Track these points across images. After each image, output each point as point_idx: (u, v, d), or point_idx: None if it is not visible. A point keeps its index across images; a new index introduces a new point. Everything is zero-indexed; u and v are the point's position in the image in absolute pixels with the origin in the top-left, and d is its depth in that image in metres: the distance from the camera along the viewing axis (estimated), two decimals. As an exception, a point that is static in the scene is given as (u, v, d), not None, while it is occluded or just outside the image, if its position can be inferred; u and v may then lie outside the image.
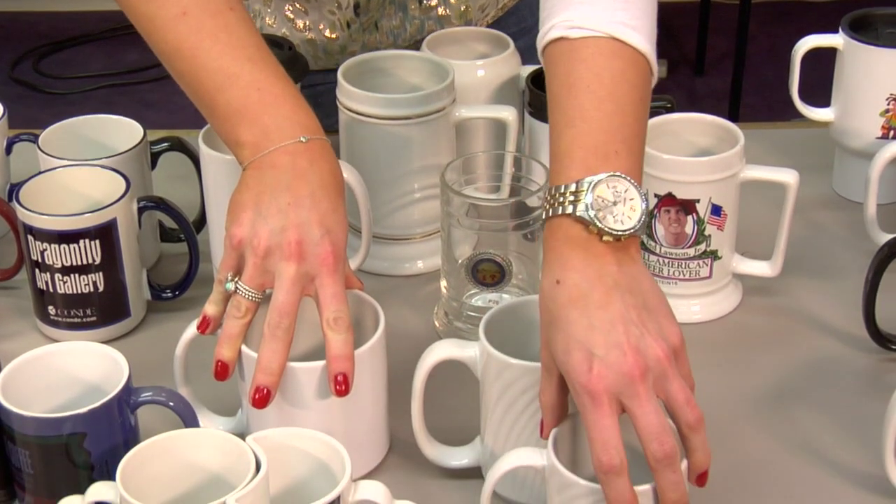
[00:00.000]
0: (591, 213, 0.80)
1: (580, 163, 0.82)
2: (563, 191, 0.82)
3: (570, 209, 0.81)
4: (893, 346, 1.04)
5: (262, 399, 0.87)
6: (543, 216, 0.83)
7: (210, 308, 0.91)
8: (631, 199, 0.81)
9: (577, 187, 0.81)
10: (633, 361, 0.77)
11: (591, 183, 0.81)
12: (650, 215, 1.06)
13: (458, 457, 0.92)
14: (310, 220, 0.88)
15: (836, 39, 1.20)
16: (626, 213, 0.80)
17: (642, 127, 0.87)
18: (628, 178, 0.82)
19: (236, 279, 0.89)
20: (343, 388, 0.87)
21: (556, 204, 0.82)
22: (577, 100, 0.85)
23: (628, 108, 0.85)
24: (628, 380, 0.77)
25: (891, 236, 1.04)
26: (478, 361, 0.89)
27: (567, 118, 0.85)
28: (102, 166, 1.08)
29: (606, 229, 0.80)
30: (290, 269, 0.87)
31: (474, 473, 0.91)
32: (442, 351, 0.90)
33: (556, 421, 0.82)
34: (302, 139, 0.90)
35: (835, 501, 0.91)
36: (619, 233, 0.80)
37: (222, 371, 0.89)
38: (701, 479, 0.81)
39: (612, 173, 0.81)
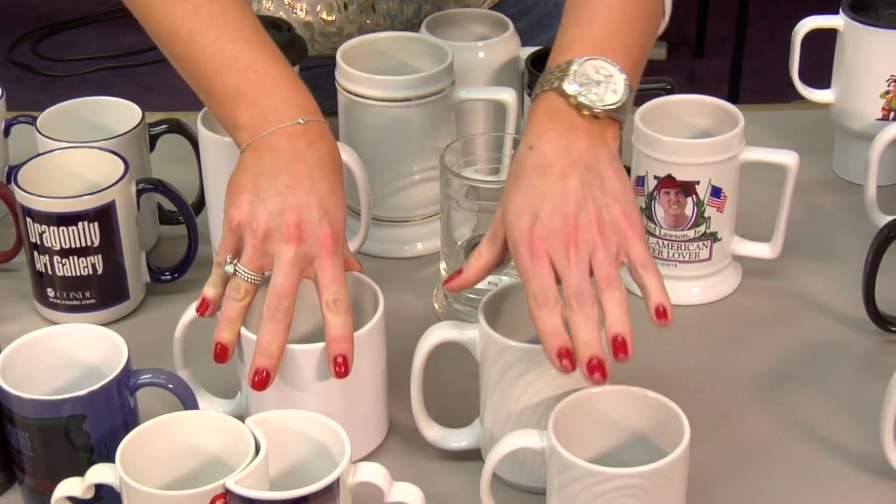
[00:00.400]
0: (573, 87, 0.85)
1: (577, 53, 0.87)
2: (553, 70, 0.86)
3: (555, 84, 0.85)
4: (893, 328, 1.04)
5: (261, 381, 0.87)
6: (533, 93, 0.88)
7: (209, 290, 0.91)
8: (614, 83, 0.85)
9: (566, 66, 0.86)
10: (571, 230, 0.83)
11: (579, 62, 0.85)
12: (650, 197, 1.06)
13: (458, 439, 0.92)
14: (308, 202, 0.88)
15: (836, 20, 1.19)
16: (608, 93, 0.85)
17: (644, 44, 0.92)
18: (615, 65, 0.86)
19: (235, 261, 0.89)
20: (342, 369, 0.87)
21: (545, 81, 0.86)
22: (589, 4, 0.90)
23: (636, 24, 0.90)
24: (562, 244, 0.82)
25: (891, 218, 1.04)
26: (477, 343, 0.89)
27: (576, 19, 0.90)
28: (101, 148, 1.08)
29: (585, 104, 0.84)
30: (288, 252, 0.87)
31: (474, 455, 0.91)
32: (441, 333, 0.90)
33: (472, 282, 0.87)
34: (300, 121, 0.90)
35: (834, 482, 0.91)
36: (597, 109, 0.84)
37: (221, 353, 0.89)
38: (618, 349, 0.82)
39: (602, 58, 0.86)
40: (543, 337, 0.82)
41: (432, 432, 0.92)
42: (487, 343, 0.88)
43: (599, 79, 0.85)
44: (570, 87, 0.85)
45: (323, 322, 0.88)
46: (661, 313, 0.84)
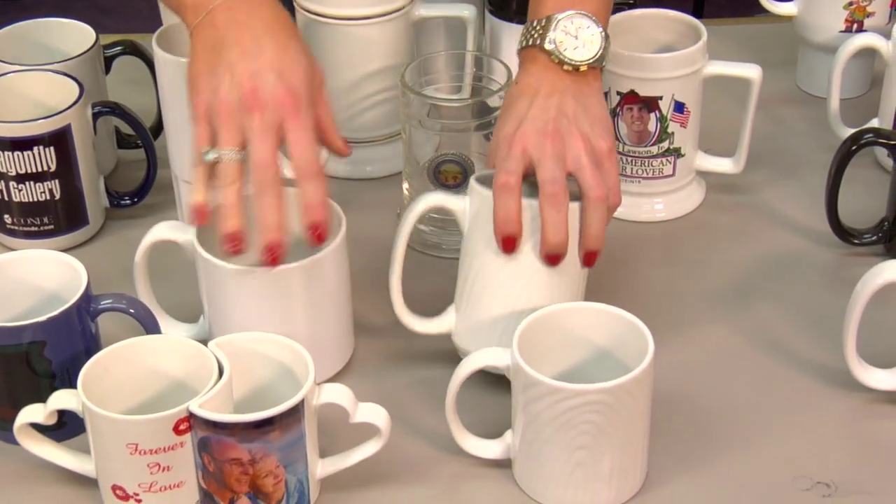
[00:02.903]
0: (554, 45, 0.90)
1: (553, 8, 0.91)
2: (535, 25, 0.91)
3: (538, 41, 0.90)
4: (856, 241, 1.04)
5: (275, 257, 0.85)
6: (518, 48, 0.93)
7: (197, 195, 0.88)
8: (591, 35, 0.91)
9: (546, 22, 0.91)
10: (551, 129, 0.87)
11: (557, 19, 0.90)
12: (613, 113, 1.05)
13: (433, 326, 0.92)
14: (260, 67, 0.86)
15: (799, -68, 1.18)
16: (586, 48, 0.90)
17: None
18: (591, 16, 0.91)
19: (213, 148, 0.87)
20: (319, 236, 0.86)
21: (528, 37, 0.92)
22: None
23: None
24: (541, 138, 0.87)
25: (853, 131, 1.04)
26: (466, 211, 0.89)
27: None
28: (55, 71, 1.06)
29: (567, 59, 0.90)
30: (254, 120, 0.85)
31: (440, 377, 0.90)
32: (433, 199, 0.90)
33: None
34: None
35: (798, 394, 0.92)
36: (577, 62, 0.90)
37: (237, 242, 0.86)
38: (588, 258, 0.88)
39: (577, 11, 0.91)
40: (495, 221, 0.86)
41: (410, 320, 0.92)
42: (479, 208, 0.88)
43: (577, 34, 0.90)
44: (549, 46, 0.90)
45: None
46: (590, 256, 0.88)
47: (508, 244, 0.86)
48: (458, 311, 0.91)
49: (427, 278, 1.01)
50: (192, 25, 0.89)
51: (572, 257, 0.88)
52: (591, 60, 0.90)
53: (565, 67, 0.90)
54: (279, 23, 0.89)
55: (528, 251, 0.87)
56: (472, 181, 0.90)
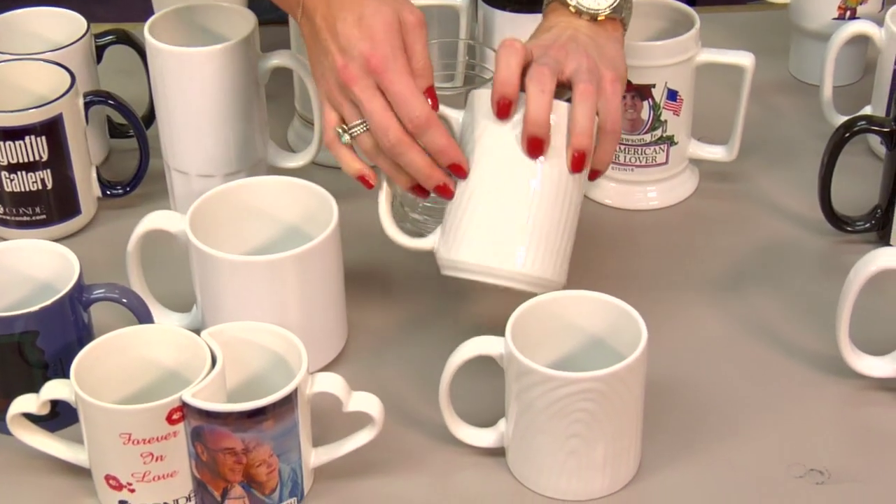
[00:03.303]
0: None
1: None
2: None
3: None
4: (848, 228, 1.04)
5: (450, 192, 0.87)
6: (542, 8, 0.95)
7: (356, 164, 0.89)
8: None
9: None
10: (556, 47, 0.88)
11: None
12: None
13: (421, 243, 0.91)
14: (343, 41, 0.86)
15: (792, -81, 1.18)
16: None
17: None
18: None
19: (342, 126, 0.88)
20: (446, 191, 0.86)
21: None
22: None
23: None
24: (547, 48, 0.88)
25: (846, 118, 1.04)
26: (461, 122, 0.89)
27: None
28: (46, 60, 1.06)
29: (584, 8, 0.91)
30: (355, 93, 0.85)
31: (433, 365, 0.90)
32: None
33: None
34: None
35: (791, 381, 0.92)
36: (595, 10, 0.91)
37: (445, 189, 0.87)
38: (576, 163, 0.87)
39: None
40: (494, 81, 0.86)
41: (395, 233, 0.92)
42: (475, 101, 0.88)
43: None
44: None
45: (279, 234, 0.86)
46: (577, 159, 0.86)
47: (503, 109, 0.85)
48: (444, 225, 0.89)
49: (421, 263, 1.01)
50: (298, 21, 0.90)
51: (559, 162, 0.86)
52: (608, 10, 0.91)
53: (583, 17, 0.91)
54: None
55: (516, 151, 0.86)
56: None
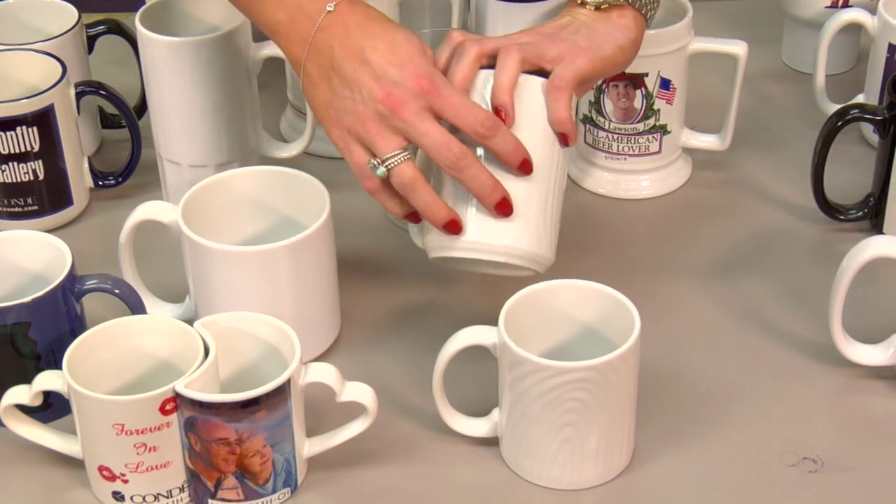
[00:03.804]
0: None
1: None
2: None
3: None
4: (842, 217, 1.04)
5: (509, 210, 0.85)
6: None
7: (395, 208, 0.87)
8: None
9: None
10: (541, 33, 0.89)
11: None
12: (599, 90, 1.05)
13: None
14: (379, 71, 0.84)
15: None
16: None
17: None
18: None
19: (376, 160, 0.85)
20: (508, 207, 0.85)
21: None
22: None
23: None
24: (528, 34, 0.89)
25: (839, 106, 1.04)
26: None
27: None
28: (37, 51, 1.06)
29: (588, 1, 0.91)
30: (405, 117, 0.84)
31: (425, 353, 0.90)
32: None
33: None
34: (328, 9, 0.86)
35: (784, 370, 0.92)
36: (598, 1, 0.90)
37: (457, 227, 0.86)
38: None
39: None
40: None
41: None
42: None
43: None
44: None
45: (270, 223, 0.86)
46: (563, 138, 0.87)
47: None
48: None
49: (414, 253, 1.01)
50: (300, 60, 0.87)
51: (538, 137, 0.86)
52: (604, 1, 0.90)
53: (587, 6, 0.90)
54: (372, 21, 0.87)
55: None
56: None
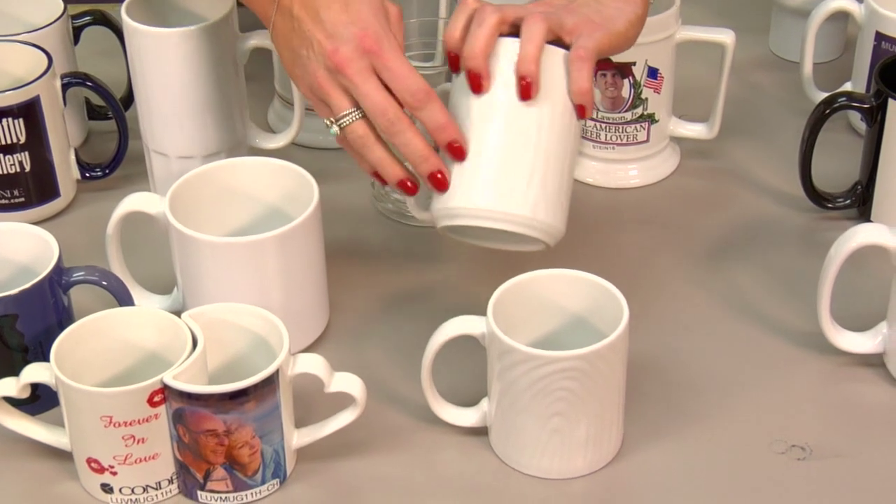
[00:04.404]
0: None
1: None
2: None
3: None
4: (829, 205, 1.04)
5: (445, 181, 0.85)
6: None
7: (359, 161, 0.88)
8: None
9: None
10: (572, 27, 0.87)
11: None
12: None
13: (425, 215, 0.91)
14: (330, 28, 0.85)
15: None
16: None
17: None
18: None
19: (330, 119, 0.86)
20: (441, 182, 0.85)
21: None
22: None
23: None
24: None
25: (827, 94, 1.04)
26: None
27: None
28: (23, 42, 1.05)
29: None
30: (347, 76, 0.84)
31: (415, 344, 0.90)
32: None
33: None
34: None
35: (772, 358, 0.92)
36: None
37: (410, 187, 0.87)
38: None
39: None
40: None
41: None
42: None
43: None
44: None
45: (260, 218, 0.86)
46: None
47: (453, 63, 0.86)
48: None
49: (402, 243, 1.00)
50: (269, 18, 0.88)
51: (552, 108, 0.86)
52: None
53: None
54: None
55: (501, 91, 0.85)
56: None
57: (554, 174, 0.85)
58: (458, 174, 0.85)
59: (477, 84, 0.85)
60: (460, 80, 0.87)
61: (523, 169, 0.85)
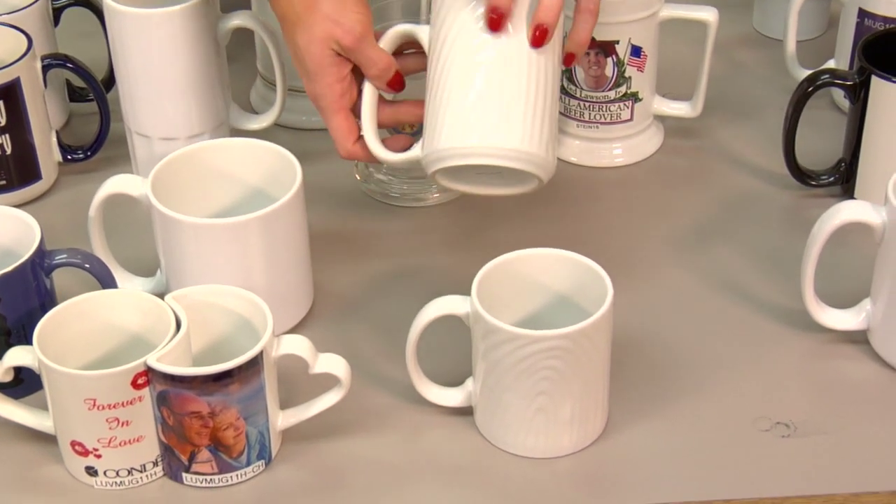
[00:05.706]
0: None
1: None
2: None
3: None
4: (813, 182, 1.04)
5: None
6: None
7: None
8: None
9: None
10: None
11: None
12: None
13: (402, 157, 0.90)
14: (309, 27, 0.86)
15: None
16: None
17: None
18: None
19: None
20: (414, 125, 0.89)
21: None
22: None
23: None
24: None
25: (810, 72, 1.04)
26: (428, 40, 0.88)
27: None
28: (2, 23, 1.05)
29: None
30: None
31: (399, 325, 0.90)
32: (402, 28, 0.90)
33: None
34: None
35: (756, 335, 0.92)
36: None
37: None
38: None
39: None
40: None
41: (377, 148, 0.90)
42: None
43: None
44: None
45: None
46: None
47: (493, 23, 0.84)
48: (425, 128, 0.87)
49: (386, 223, 1.00)
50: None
51: (550, 49, 0.85)
52: None
53: None
54: None
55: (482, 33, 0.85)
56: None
57: (543, 112, 0.84)
58: (446, 115, 0.84)
59: (497, 23, 0.83)
60: (448, 21, 0.86)
61: (516, 106, 0.84)
